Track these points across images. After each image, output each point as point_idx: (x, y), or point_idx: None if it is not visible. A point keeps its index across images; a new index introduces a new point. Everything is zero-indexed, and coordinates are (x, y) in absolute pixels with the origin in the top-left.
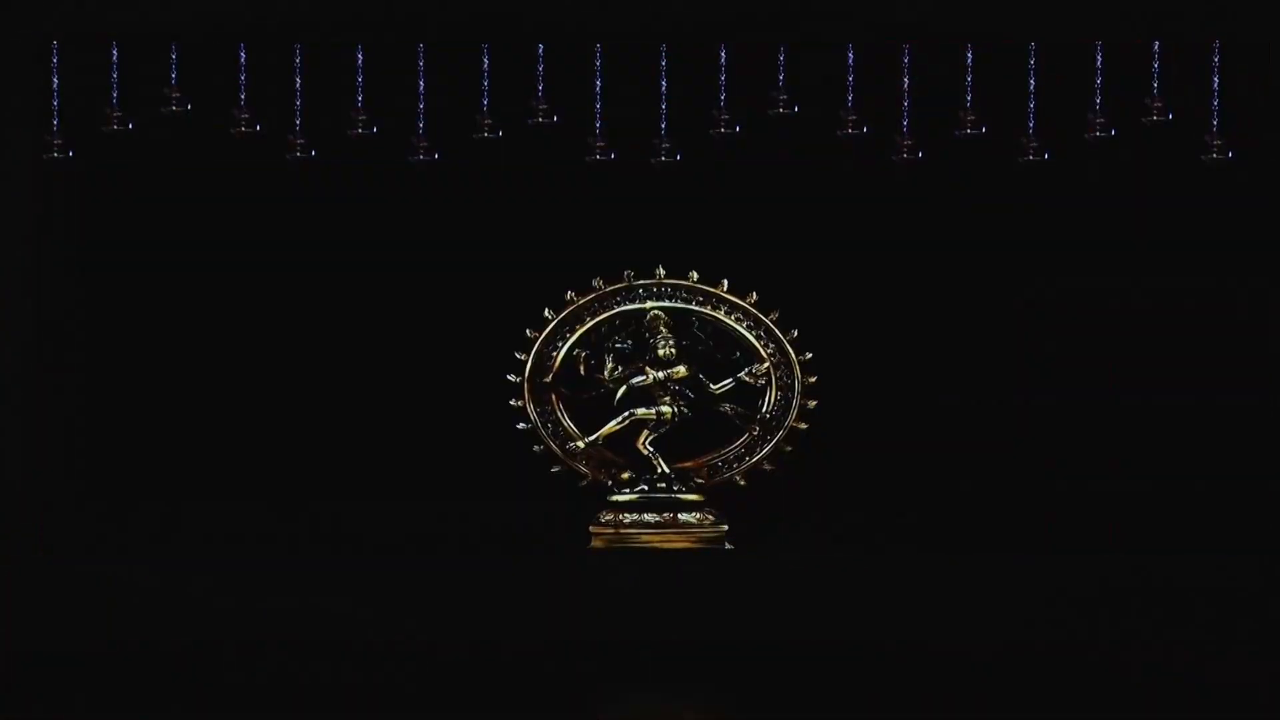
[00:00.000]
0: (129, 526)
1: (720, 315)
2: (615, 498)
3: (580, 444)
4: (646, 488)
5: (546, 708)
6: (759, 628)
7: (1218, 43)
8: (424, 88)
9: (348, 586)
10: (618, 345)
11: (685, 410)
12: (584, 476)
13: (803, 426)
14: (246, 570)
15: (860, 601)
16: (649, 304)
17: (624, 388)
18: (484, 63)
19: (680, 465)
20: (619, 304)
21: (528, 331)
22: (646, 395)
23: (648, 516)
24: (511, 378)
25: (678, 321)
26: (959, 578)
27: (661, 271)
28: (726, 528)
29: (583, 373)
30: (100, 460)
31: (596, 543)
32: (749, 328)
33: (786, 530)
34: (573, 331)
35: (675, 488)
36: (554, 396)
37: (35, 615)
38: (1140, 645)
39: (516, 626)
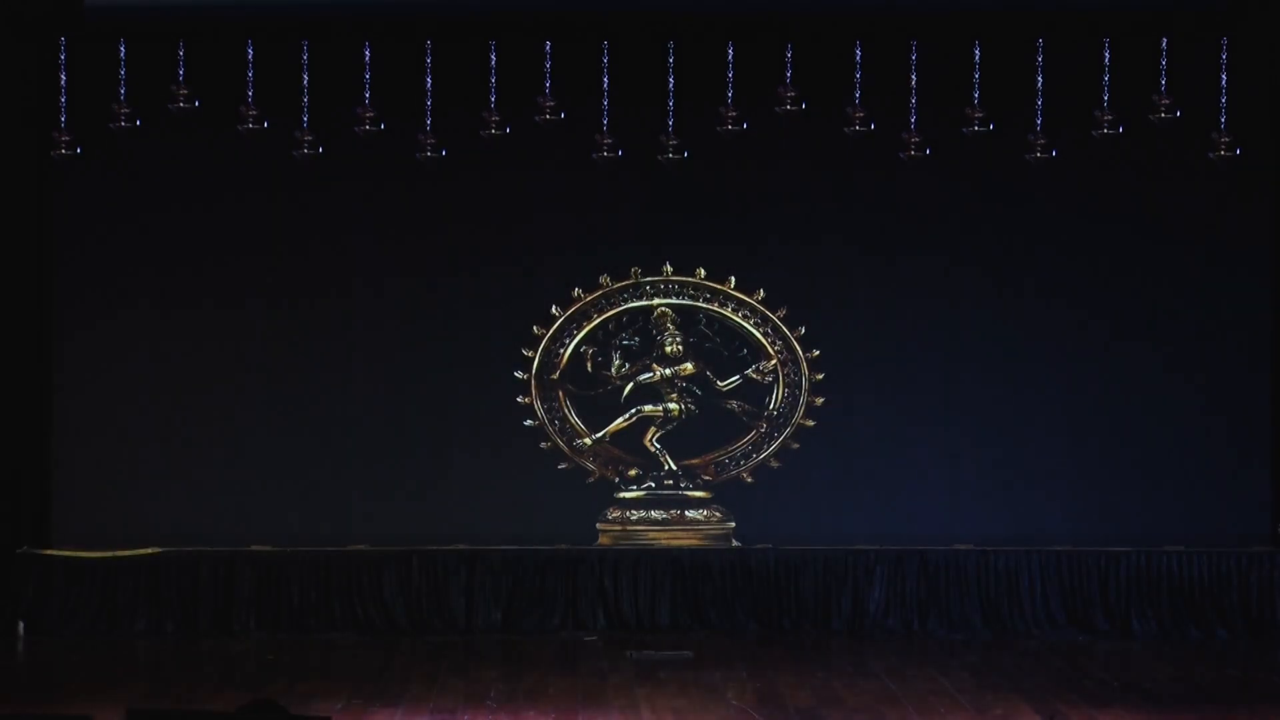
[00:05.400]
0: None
1: (727, 312)
2: (622, 494)
3: (587, 441)
4: (654, 484)
5: (551, 704)
6: (764, 624)
7: (1225, 40)
8: (431, 85)
9: (351, 583)
10: (625, 342)
11: (692, 407)
12: (591, 473)
13: (810, 424)
14: (255, 562)
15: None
16: (656, 301)
17: (631, 384)
18: (491, 61)
19: (687, 462)
20: (626, 301)
21: (535, 328)
22: (654, 392)
23: (655, 513)
24: (519, 374)
25: (685, 318)
26: (960, 572)
27: (669, 268)
28: (734, 524)
29: (590, 369)
30: (107, 461)
31: (604, 539)
32: (756, 324)
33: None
34: (580, 328)
35: (682, 485)
36: (561, 393)
37: None
38: (1138, 638)
39: (522, 622)
